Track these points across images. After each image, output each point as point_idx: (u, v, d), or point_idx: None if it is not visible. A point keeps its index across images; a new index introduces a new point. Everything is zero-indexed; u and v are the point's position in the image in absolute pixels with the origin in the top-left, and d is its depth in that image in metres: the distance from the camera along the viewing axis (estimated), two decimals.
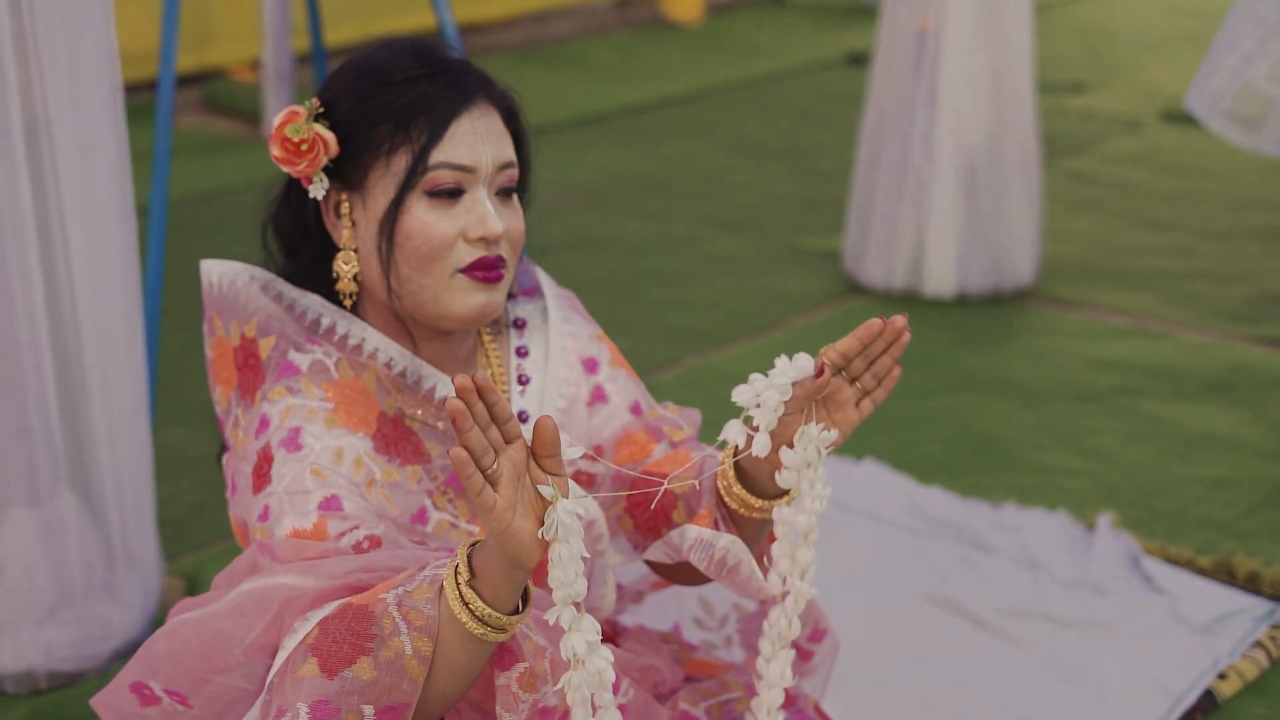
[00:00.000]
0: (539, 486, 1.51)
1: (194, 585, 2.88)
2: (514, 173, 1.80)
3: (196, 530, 3.14)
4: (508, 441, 1.50)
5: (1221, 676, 2.65)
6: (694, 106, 7.37)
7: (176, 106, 3.19)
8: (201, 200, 5.52)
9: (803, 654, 2.08)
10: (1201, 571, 3.01)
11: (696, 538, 1.74)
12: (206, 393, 1.95)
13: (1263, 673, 2.69)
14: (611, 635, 2.04)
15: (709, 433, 1.87)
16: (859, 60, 8.04)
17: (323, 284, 1.83)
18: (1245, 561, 2.99)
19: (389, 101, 1.75)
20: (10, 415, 2.51)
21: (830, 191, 5.67)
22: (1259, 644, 2.74)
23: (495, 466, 1.48)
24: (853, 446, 3.49)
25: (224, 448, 1.91)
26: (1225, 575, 2.99)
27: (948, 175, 4.56)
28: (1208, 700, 2.60)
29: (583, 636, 1.54)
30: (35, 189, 2.48)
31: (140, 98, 4.24)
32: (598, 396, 1.95)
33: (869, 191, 4.71)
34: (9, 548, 2.57)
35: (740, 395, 1.67)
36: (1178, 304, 4.63)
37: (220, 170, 5.94)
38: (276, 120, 1.77)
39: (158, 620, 2.68)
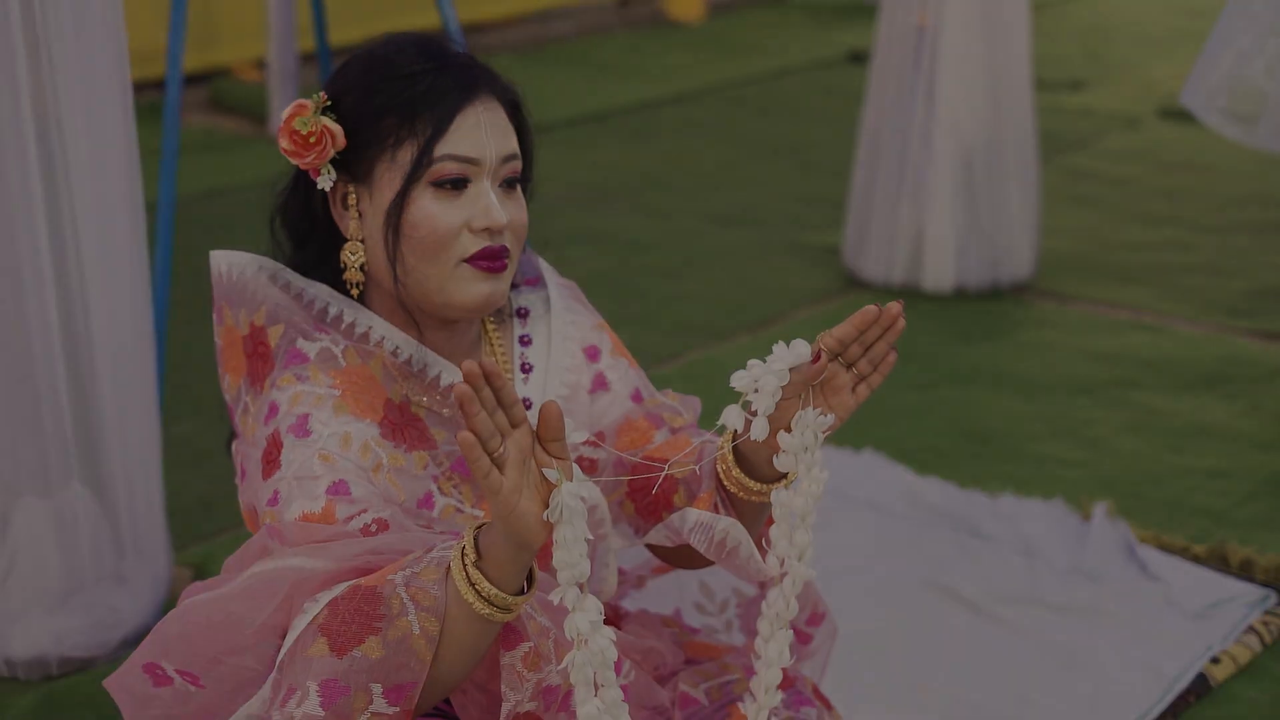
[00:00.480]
0: (544, 470, 1.54)
1: (202, 575, 2.91)
2: (517, 164, 1.82)
3: (204, 521, 3.17)
4: (513, 425, 1.53)
5: (1214, 661, 2.69)
6: (695, 104, 7.40)
7: (182, 105, 3.23)
8: (207, 198, 5.55)
9: (801, 637, 2.10)
10: (1196, 559, 3.04)
11: (697, 520, 1.77)
12: (213, 387, 1.98)
13: (1255, 657, 2.73)
14: (614, 619, 2.07)
15: (709, 424, 1.90)
16: (859, 58, 8.06)
17: (330, 274, 1.85)
18: (1239, 549, 3.03)
19: (395, 95, 1.77)
20: (22, 407, 2.55)
21: (830, 187, 5.70)
22: (1252, 629, 2.78)
23: (502, 450, 1.51)
24: (852, 437, 3.53)
25: (233, 435, 1.94)
26: (1219, 563, 3.02)
27: (946, 171, 4.59)
28: (1201, 684, 2.64)
29: (586, 616, 1.57)
30: (47, 185, 2.51)
31: (147, 96, 4.28)
32: (599, 384, 1.98)
33: (868, 187, 4.74)
34: (20, 537, 2.60)
35: (738, 380, 1.71)
36: (1174, 298, 4.66)
37: (225, 168, 5.97)
38: (285, 113, 1.79)
39: (167, 608, 2.72)
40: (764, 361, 1.71)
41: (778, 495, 1.76)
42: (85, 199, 2.55)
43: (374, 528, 1.71)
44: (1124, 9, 9.95)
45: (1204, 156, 6.21)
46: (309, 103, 1.80)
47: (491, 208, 1.78)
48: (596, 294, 2.35)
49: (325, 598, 1.62)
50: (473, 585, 1.57)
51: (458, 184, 1.78)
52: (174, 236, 3.13)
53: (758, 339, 4.31)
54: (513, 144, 1.82)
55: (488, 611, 1.58)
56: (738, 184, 6.01)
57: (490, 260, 1.79)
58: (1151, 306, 4.59)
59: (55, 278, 2.54)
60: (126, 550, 2.72)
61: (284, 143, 1.80)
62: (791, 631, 1.83)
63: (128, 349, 2.66)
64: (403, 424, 1.82)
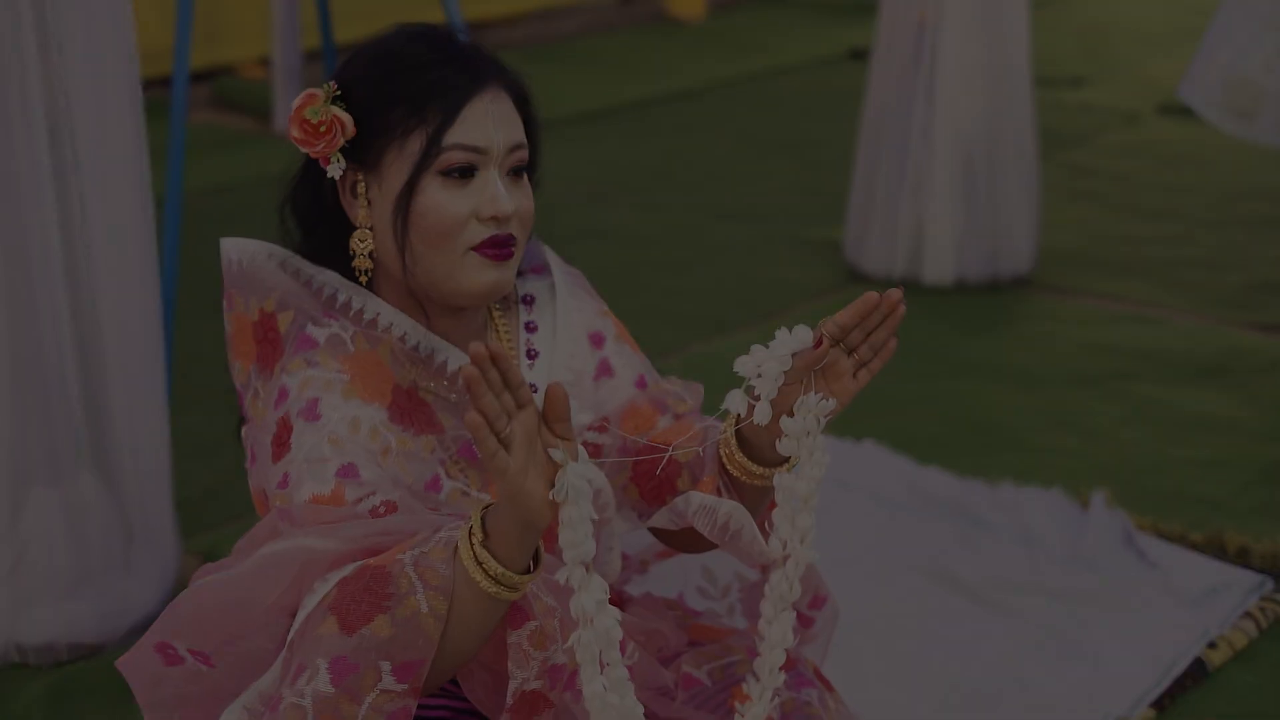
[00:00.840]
0: (549, 450, 1.56)
1: (210, 562, 2.94)
2: (524, 154, 1.83)
3: (212, 510, 3.20)
4: (519, 407, 1.54)
5: (1211, 646, 2.71)
6: (697, 101, 7.42)
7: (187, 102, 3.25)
8: (211, 194, 5.58)
9: (803, 620, 2.11)
10: (1193, 547, 3.06)
11: (700, 504, 1.79)
12: (220, 378, 1.99)
13: (1251, 642, 2.75)
14: (618, 603, 2.07)
15: (712, 413, 1.92)
16: (860, 55, 8.08)
17: (339, 261, 1.86)
18: (1236, 536, 3.05)
19: (404, 85, 1.79)
20: (32, 397, 2.57)
21: (831, 183, 5.72)
22: (1248, 615, 2.80)
23: (508, 431, 1.53)
24: (853, 428, 3.55)
25: (242, 420, 1.96)
26: (1216, 550, 3.04)
27: (946, 166, 4.61)
28: (1198, 669, 2.66)
29: (591, 596, 1.59)
30: (58, 181, 2.54)
31: (152, 94, 4.29)
32: (603, 370, 2.00)
33: (869, 182, 4.76)
34: (31, 525, 2.62)
35: (742, 365, 1.73)
36: (1173, 291, 4.69)
37: (230, 165, 5.99)
38: (295, 102, 1.81)
39: (175, 596, 2.74)
40: (767, 347, 1.73)
41: (780, 479, 1.77)
42: (95, 194, 2.57)
43: (382, 509, 1.72)
44: (1123, 6, 9.96)
45: (1203, 151, 6.23)
46: (319, 92, 1.81)
47: (498, 196, 1.79)
48: (600, 288, 2.37)
49: (335, 577, 1.63)
50: (480, 564, 1.59)
51: (465, 173, 1.79)
52: (180, 231, 3.15)
53: (760, 332, 4.33)
54: (519, 134, 1.84)
55: (495, 590, 1.59)
56: (739, 179, 6.03)
57: (497, 248, 1.80)
58: (1151, 299, 4.62)
59: (65, 271, 2.57)
60: (135, 539, 2.74)
61: (294, 131, 1.81)
62: (794, 614, 1.85)
63: (136, 340, 2.68)
64: (410, 408, 1.83)
